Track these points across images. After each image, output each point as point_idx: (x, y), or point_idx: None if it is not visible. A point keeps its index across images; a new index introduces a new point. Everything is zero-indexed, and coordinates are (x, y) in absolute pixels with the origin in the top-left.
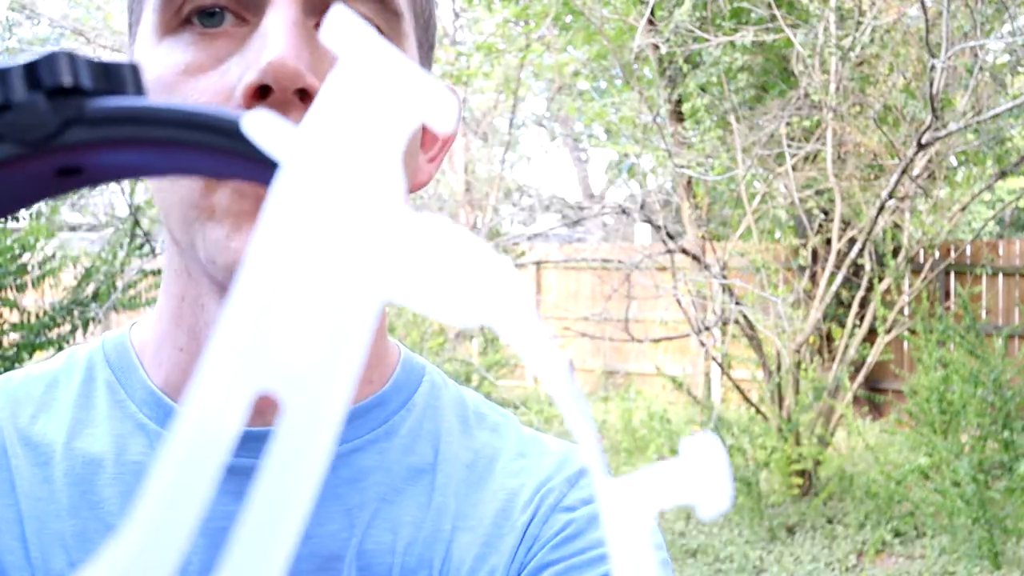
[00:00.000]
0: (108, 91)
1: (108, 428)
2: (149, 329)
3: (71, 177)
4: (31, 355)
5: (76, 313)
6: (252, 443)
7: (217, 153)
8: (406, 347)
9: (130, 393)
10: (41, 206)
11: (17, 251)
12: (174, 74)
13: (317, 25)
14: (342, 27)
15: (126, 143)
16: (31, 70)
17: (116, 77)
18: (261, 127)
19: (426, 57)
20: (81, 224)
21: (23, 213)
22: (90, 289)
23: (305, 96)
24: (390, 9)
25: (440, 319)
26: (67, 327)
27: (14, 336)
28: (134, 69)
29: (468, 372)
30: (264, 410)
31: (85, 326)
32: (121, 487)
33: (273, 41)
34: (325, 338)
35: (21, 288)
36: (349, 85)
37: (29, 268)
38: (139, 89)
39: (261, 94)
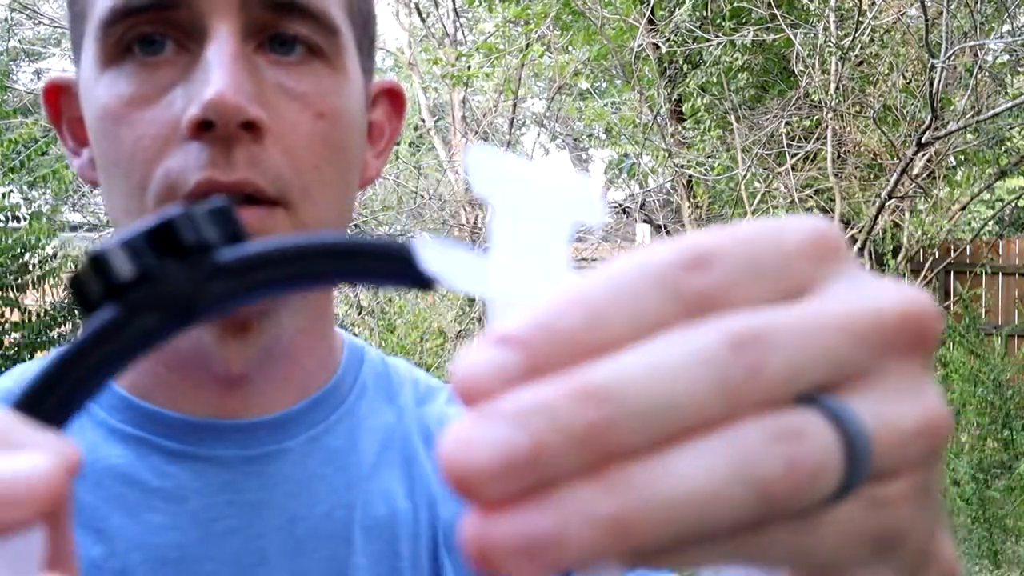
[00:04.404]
0: (230, 237)
1: (79, 436)
2: None
3: (190, 324)
4: (32, 354)
5: (77, 313)
6: (233, 434)
7: (350, 276)
8: (405, 346)
9: (97, 401)
10: (42, 206)
11: (18, 250)
12: (120, 105)
13: (257, 48)
14: (484, 162)
15: (264, 285)
16: (155, 236)
17: (228, 221)
18: (428, 250)
19: (367, 57)
20: (82, 224)
21: (23, 212)
22: None
23: (249, 127)
24: (327, 27)
25: None
26: (68, 326)
27: (15, 336)
28: (229, 210)
29: None
30: (237, 410)
31: None
32: (102, 492)
33: (214, 77)
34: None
35: (22, 287)
36: (511, 207)
37: (30, 267)
38: (239, 226)
39: (204, 127)
